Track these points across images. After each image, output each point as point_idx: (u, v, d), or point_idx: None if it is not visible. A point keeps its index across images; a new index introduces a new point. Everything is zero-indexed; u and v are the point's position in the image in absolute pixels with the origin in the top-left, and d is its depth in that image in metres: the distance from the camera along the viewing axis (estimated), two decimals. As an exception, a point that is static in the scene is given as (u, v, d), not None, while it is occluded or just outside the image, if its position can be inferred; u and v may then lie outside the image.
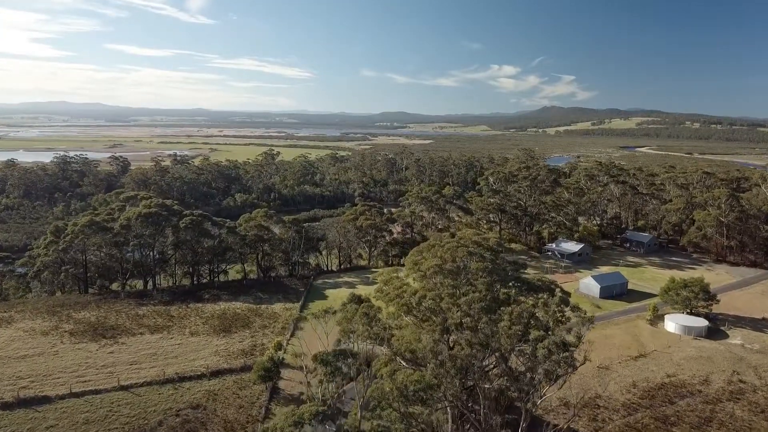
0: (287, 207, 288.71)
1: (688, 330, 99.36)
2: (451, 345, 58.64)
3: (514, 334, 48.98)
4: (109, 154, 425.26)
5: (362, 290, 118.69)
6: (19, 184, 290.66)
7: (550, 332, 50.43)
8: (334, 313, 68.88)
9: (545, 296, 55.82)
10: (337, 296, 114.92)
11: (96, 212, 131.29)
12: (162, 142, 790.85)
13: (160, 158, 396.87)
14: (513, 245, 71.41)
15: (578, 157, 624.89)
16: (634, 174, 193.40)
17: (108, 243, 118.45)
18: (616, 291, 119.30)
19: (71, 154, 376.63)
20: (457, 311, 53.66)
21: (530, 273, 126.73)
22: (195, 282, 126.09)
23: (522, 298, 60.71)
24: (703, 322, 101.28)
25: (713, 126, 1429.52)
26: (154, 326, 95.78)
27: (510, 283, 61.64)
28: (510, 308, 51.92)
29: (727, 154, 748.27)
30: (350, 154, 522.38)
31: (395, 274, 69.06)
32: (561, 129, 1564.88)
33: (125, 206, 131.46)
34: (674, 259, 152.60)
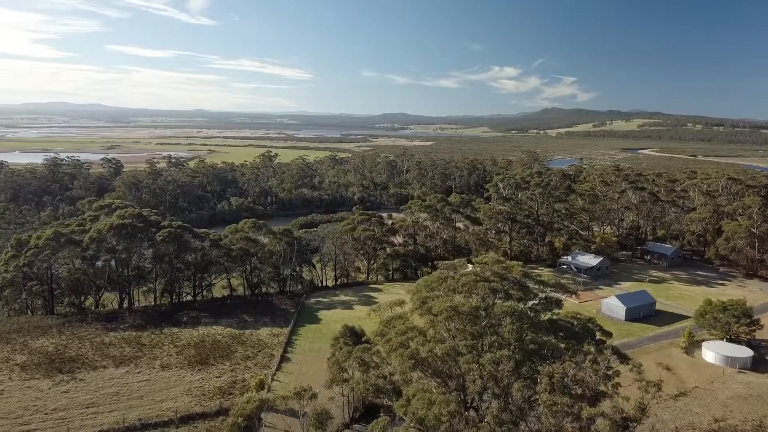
0: (284, 211, 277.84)
1: (731, 361, 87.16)
2: (470, 403, 46.60)
3: (561, 410, 37.10)
4: (107, 156, 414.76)
5: (359, 312, 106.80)
6: (5, 187, 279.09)
7: (602, 400, 38.46)
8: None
9: (590, 347, 43.81)
10: (331, 319, 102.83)
11: (65, 223, 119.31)
12: (161, 143, 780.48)
13: (154, 160, 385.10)
14: (544, 275, 59.55)
15: (581, 159, 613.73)
16: (653, 180, 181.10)
17: (78, 257, 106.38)
18: (643, 312, 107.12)
19: (62, 155, 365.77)
20: (479, 371, 41.72)
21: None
22: (175, 300, 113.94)
23: (553, 340, 48.66)
24: (747, 352, 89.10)
25: (715, 128, 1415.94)
26: (120, 357, 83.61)
27: (544, 325, 49.48)
28: (550, 368, 39.93)
29: (731, 157, 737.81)
30: (350, 155, 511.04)
31: (398, 308, 56.98)
32: (562, 131, 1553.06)
33: (99, 216, 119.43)
34: (700, 273, 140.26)
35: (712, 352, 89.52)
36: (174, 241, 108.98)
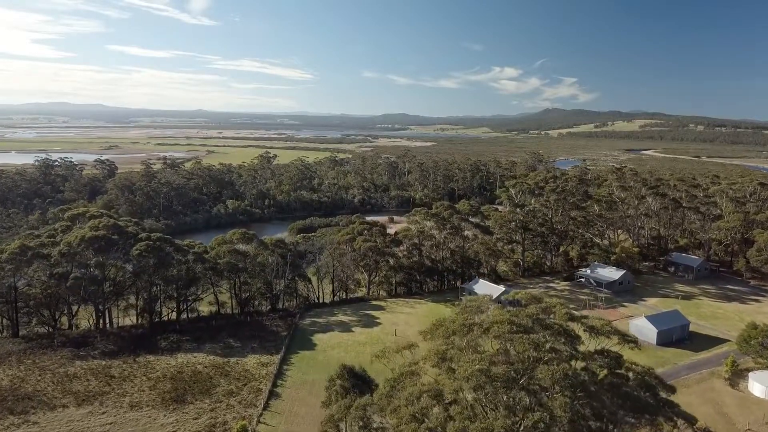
0: (282, 214, 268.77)
1: (784, 397, 76.26)
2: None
3: None
4: (104, 156, 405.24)
5: (359, 336, 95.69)
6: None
7: None
8: None
9: (671, 429, 33.02)
10: (327, 344, 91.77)
11: (35, 234, 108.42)
12: (159, 144, 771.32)
13: (150, 161, 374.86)
14: (592, 317, 48.47)
15: (584, 160, 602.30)
16: (675, 185, 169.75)
17: (46, 273, 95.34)
18: (676, 335, 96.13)
19: (54, 156, 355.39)
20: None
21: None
22: (155, 320, 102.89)
23: (618, 411, 37.76)
24: (802, 386, 78.16)
25: (717, 129, 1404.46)
26: (84, 393, 72.64)
27: (603, 388, 38.49)
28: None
29: (736, 158, 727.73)
30: (350, 156, 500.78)
31: (407, 353, 46.01)
32: (563, 131, 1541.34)
33: (71, 226, 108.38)
34: (730, 287, 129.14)
35: (761, 384, 78.61)
36: (153, 254, 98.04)
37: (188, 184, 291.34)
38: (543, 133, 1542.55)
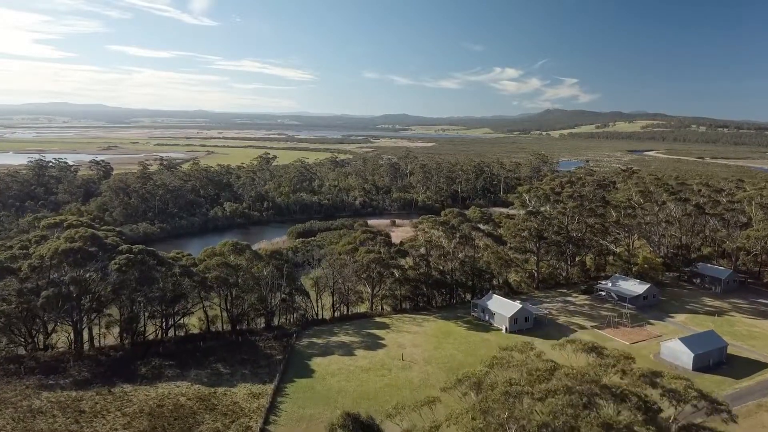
0: (281, 217, 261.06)
1: None
2: None
3: None
4: (102, 157, 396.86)
5: (362, 360, 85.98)
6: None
7: None
8: None
9: None
10: (326, 370, 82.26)
11: (7, 245, 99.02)
12: (159, 144, 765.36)
13: (148, 162, 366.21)
14: (668, 375, 39.60)
15: (587, 161, 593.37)
16: (699, 190, 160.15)
17: (15, 289, 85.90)
18: (713, 359, 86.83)
19: (48, 157, 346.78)
20: None
21: (583, 327, 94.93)
22: (138, 340, 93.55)
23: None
24: None
25: (720, 129, 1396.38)
26: (48, 434, 63.49)
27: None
28: None
29: (739, 159, 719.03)
30: (351, 157, 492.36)
31: (427, 410, 36.82)
32: (564, 132, 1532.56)
33: (47, 236, 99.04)
34: (763, 301, 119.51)
35: (818, 421, 69.45)
36: (134, 268, 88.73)
37: (185, 186, 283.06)
38: (544, 133, 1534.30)
